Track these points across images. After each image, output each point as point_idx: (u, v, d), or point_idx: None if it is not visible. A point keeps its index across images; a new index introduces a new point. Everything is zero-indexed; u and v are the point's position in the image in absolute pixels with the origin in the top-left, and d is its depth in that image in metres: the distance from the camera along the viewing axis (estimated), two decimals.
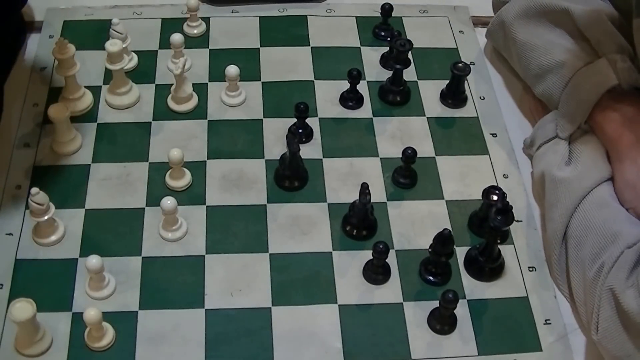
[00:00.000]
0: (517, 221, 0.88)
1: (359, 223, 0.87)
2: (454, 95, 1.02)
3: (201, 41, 1.07)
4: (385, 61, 1.06)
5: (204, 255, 0.85)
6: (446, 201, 0.92)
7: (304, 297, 0.82)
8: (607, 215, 0.81)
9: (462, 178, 0.94)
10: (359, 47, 1.08)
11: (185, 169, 0.90)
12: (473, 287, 0.85)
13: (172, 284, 0.83)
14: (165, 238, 0.86)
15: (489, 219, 0.82)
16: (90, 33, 1.06)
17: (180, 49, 1.00)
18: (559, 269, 0.84)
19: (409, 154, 0.90)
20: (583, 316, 0.81)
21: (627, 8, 0.90)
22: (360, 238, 0.87)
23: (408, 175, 0.93)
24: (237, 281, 0.83)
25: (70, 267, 0.83)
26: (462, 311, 0.82)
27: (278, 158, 0.92)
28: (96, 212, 0.88)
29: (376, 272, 0.84)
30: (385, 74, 1.04)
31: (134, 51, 1.03)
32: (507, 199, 0.82)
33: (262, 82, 1.03)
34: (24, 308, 0.73)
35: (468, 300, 0.83)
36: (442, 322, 0.81)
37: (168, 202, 0.83)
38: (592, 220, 0.81)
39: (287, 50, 1.07)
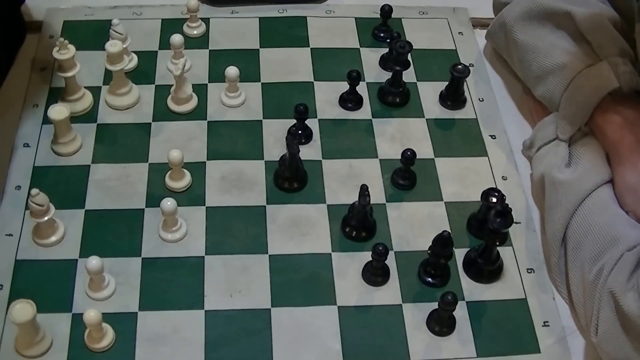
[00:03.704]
0: (516, 223, 0.88)
1: (359, 224, 0.87)
2: (453, 97, 1.02)
3: (201, 42, 1.07)
4: (384, 62, 1.06)
5: (203, 257, 0.85)
6: (445, 203, 0.92)
7: (304, 298, 0.83)
8: (607, 217, 0.82)
9: (461, 180, 0.94)
10: (359, 49, 1.08)
11: (185, 170, 0.91)
12: (472, 289, 0.85)
13: (172, 285, 0.83)
14: (165, 239, 0.86)
15: (488, 221, 0.82)
16: (91, 33, 1.06)
17: (180, 50, 1.00)
18: (558, 271, 0.84)
19: (408, 156, 0.90)
20: (582, 318, 0.81)
21: (629, 12, 0.90)
22: (360, 239, 0.87)
23: (407, 177, 0.93)
24: (237, 282, 0.83)
25: (70, 268, 0.83)
26: (460, 313, 0.82)
27: (277, 159, 0.92)
28: (96, 213, 0.88)
29: (375, 274, 0.84)
30: (384, 76, 1.04)
31: (134, 52, 1.03)
32: (506, 201, 0.82)
33: (262, 83, 1.03)
34: (24, 309, 0.73)
35: (467, 302, 0.83)
36: (440, 323, 0.81)
37: (168, 203, 0.83)
38: (592, 223, 0.82)
39: (286, 52, 1.07)
